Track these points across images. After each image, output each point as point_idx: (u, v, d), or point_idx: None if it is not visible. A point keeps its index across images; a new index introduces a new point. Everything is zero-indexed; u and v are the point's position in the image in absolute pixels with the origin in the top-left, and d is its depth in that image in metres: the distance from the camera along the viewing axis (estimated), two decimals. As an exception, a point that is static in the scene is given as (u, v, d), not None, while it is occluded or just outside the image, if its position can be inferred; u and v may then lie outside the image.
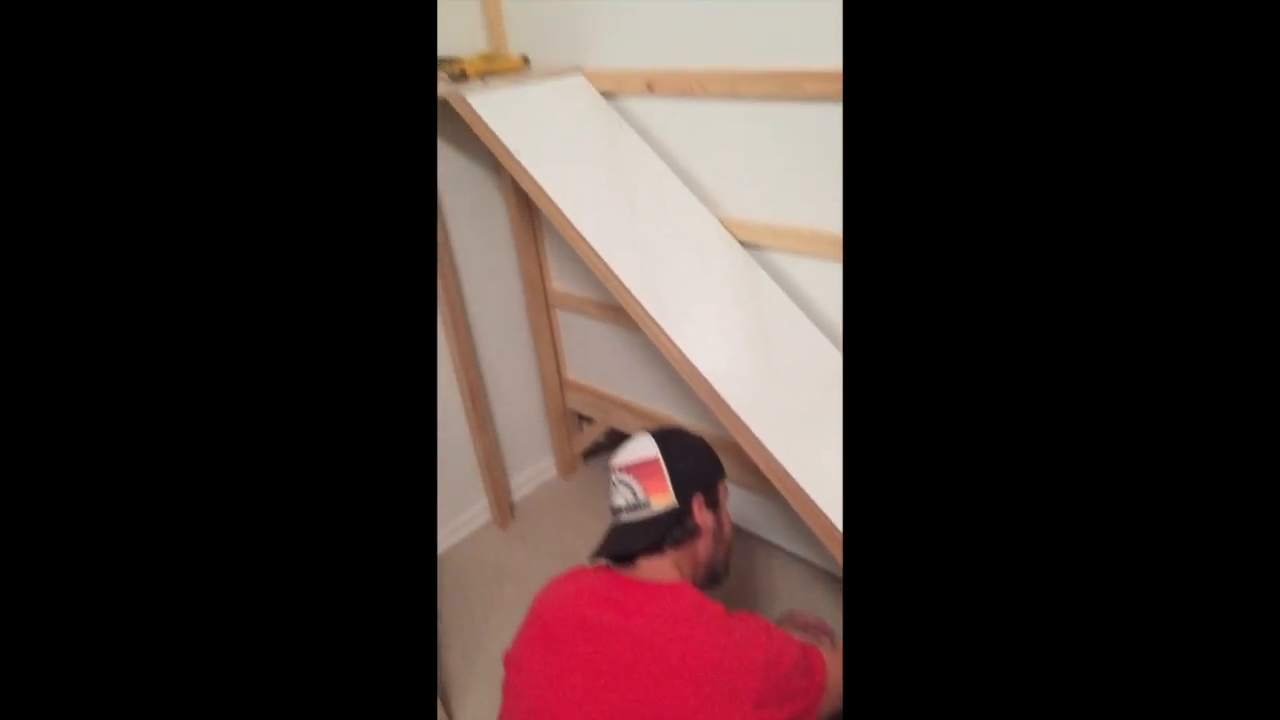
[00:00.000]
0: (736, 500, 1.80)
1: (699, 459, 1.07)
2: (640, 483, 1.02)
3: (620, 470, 1.04)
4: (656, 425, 1.63)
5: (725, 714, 0.81)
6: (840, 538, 1.11)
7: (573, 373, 1.97)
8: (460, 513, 1.94)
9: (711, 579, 1.07)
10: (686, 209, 1.42)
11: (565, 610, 0.93)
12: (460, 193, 1.66)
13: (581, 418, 2.09)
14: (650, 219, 1.37)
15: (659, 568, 0.97)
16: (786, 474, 1.15)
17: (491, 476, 1.90)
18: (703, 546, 1.03)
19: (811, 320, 1.37)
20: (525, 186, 1.31)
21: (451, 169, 1.63)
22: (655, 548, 0.98)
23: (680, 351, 1.22)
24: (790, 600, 1.65)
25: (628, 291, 1.25)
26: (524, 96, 1.37)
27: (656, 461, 1.01)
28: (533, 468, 2.10)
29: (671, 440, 1.06)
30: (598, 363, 1.86)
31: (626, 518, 1.02)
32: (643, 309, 1.24)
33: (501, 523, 1.97)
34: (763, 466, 1.18)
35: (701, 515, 1.02)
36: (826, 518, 1.11)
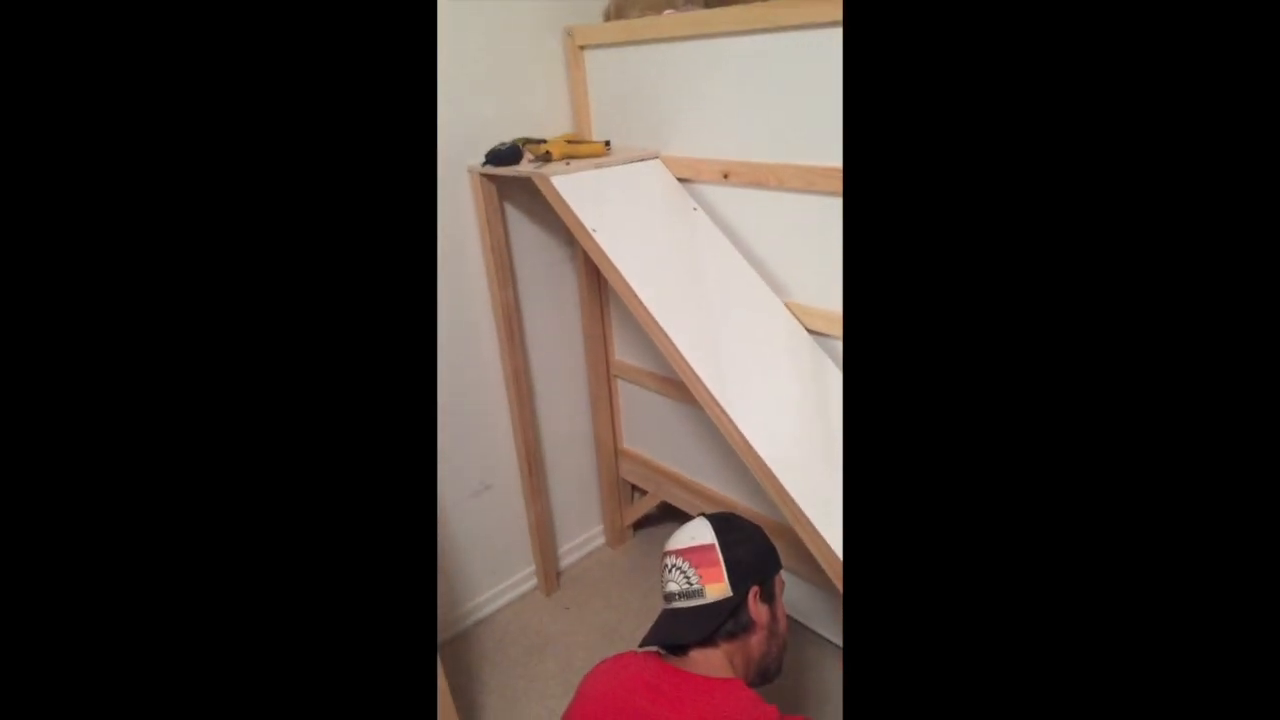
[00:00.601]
0: (792, 590, 1.77)
1: (756, 549, 1.03)
2: (696, 569, 0.99)
3: (675, 555, 1.02)
4: (712, 507, 1.62)
5: None
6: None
7: (628, 443, 1.98)
8: (507, 578, 1.94)
9: (763, 676, 1.03)
10: (754, 291, 1.44)
11: (615, 696, 0.91)
12: (534, 264, 1.73)
13: (635, 489, 2.10)
14: (716, 297, 1.40)
15: (712, 661, 0.95)
16: (841, 564, 1.13)
17: (541, 543, 1.90)
18: (756, 641, 0.99)
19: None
20: (595, 258, 1.36)
21: (529, 241, 1.70)
22: (708, 639, 0.95)
23: (739, 431, 1.22)
24: (815, 675, 1.59)
25: (687, 364, 1.27)
26: (603, 177, 1.43)
27: (713, 548, 0.99)
28: (582, 535, 2.10)
29: (728, 527, 1.03)
30: (654, 435, 1.88)
31: (679, 604, 0.99)
32: (702, 384, 1.25)
33: (547, 589, 1.96)
34: (818, 555, 1.16)
35: (756, 609, 0.99)
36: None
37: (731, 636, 0.96)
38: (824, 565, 1.16)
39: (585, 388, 1.95)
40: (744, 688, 0.91)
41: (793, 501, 1.19)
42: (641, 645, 1.00)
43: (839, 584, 1.15)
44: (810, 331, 1.42)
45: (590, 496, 2.08)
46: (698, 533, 1.02)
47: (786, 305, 1.44)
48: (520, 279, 1.69)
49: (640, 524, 2.18)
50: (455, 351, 1.62)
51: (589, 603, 1.93)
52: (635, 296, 1.31)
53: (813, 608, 1.71)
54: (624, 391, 1.92)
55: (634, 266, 1.34)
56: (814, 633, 1.74)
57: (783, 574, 1.08)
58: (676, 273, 1.40)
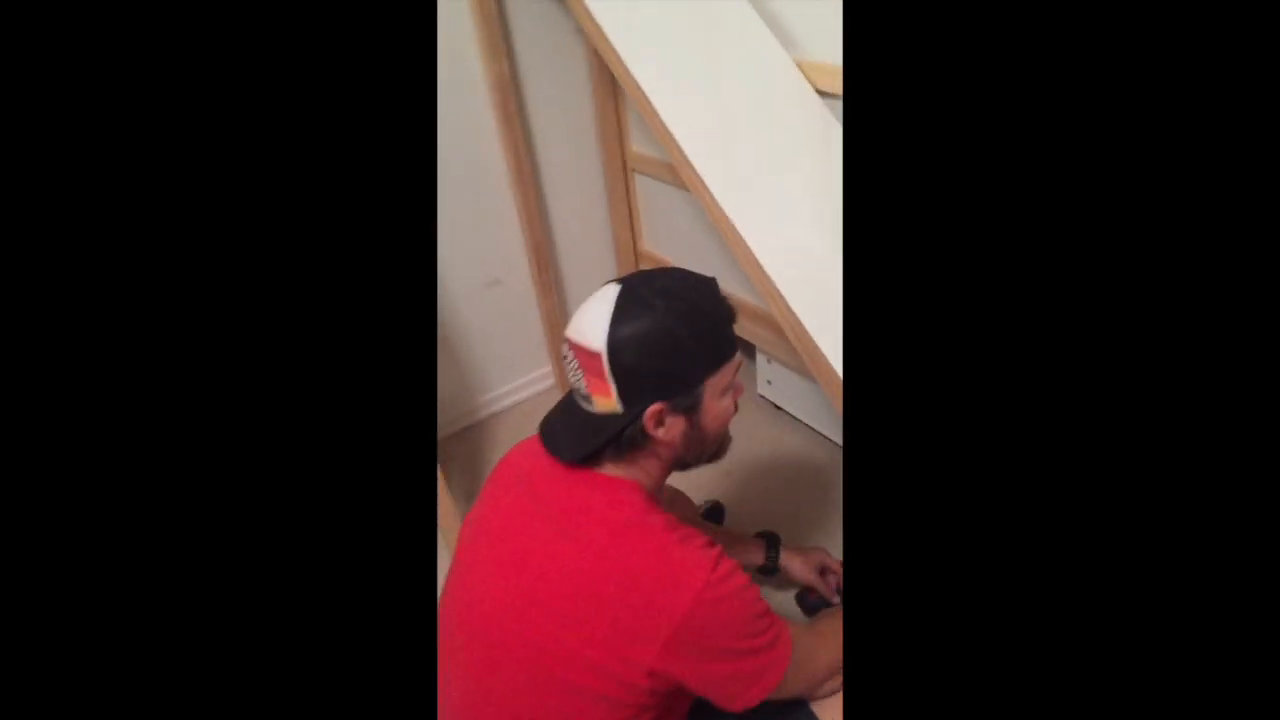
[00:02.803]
0: (787, 386, 1.71)
1: (672, 351, 0.76)
2: (582, 374, 0.78)
3: (567, 345, 0.80)
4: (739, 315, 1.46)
5: (613, 645, 0.71)
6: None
7: (649, 244, 1.89)
8: (525, 374, 1.96)
9: (685, 467, 0.89)
10: (764, 52, 1.27)
11: (513, 475, 0.87)
12: (537, 47, 1.58)
13: (656, 293, 2.03)
14: (727, 73, 1.24)
15: (602, 466, 0.82)
16: (823, 358, 1.05)
17: (555, 341, 1.89)
18: (663, 452, 0.83)
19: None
20: (583, 25, 1.20)
21: (531, 23, 1.54)
22: (591, 457, 0.80)
23: (744, 242, 1.11)
24: (810, 482, 1.58)
25: (688, 161, 1.14)
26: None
27: (599, 359, 0.75)
28: (602, 338, 2.08)
29: (634, 318, 0.75)
30: (676, 235, 1.77)
31: (578, 402, 0.82)
32: (704, 186, 1.13)
33: (562, 387, 1.99)
34: (798, 346, 1.08)
35: (658, 429, 0.79)
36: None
37: (619, 457, 0.81)
38: (801, 352, 1.08)
39: (600, 182, 1.83)
40: (637, 495, 0.79)
41: (776, 290, 1.10)
42: (541, 429, 0.88)
43: (819, 378, 1.08)
44: (821, 93, 1.25)
45: (611, 299, 2.04)
46: (592, 323, 0.76)
47: (797, 64, 1.26)
48: (518, 52, 1.54)
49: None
50: (446, 133, 1.53)
51: (603, 401, 1.94)
52: (629, 75, 1.16)
53: (810, 407, 1.66)
54: (642, 187, 1.80)
55: (628, 37, 1.18)
56: (809, 427, 1.71)
57: (733, 363, 0.83)
58: (678, 43, 1.23)
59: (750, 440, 1.76)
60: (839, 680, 0.89)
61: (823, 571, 1.22)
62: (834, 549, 1.30)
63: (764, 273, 1.10)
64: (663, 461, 0.84)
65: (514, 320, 1.85)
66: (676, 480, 1.03)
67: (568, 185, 1.78)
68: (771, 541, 1.23)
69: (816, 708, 0.89)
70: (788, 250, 1.12)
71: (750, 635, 0.76)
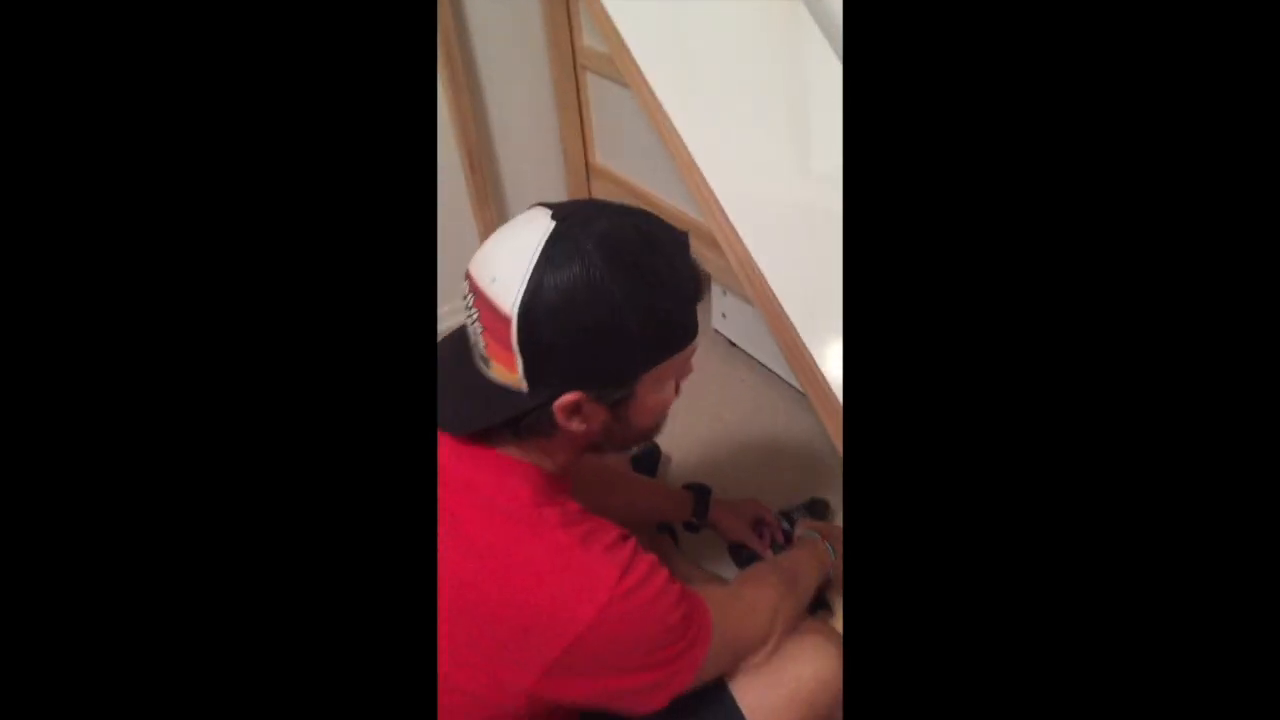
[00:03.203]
0: (749, 327, 1.56)
1: (608, 337, 0.57)
2: (483, 330, 0.60)
3: (469, 286, 0.61)
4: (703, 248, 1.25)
5: (490, 669, 0.59)
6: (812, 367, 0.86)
7: (602, 158, 1.69)
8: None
9: (602, 452, 0.73)
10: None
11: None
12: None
13: (610, 214, 1.84)
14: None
15: (495, 442, 0.65)
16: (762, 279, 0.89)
17: (494, 260, 1.71)
18: (575, 440, 0.65)
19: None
20: None
21: None
22: (484, 434, 0.63)
23: (714, 196, 0.93)
24: (762, 430, 1.44)
25: (650, 90, 0.95)
26: None
27: (508, 325, 0.56)
28: (550, 261, 1.90)
29: (566, 276, 0.55)
30: (634, 149, 1.56)
31: (473, 356, 0.63)
32: (668, 119, 0.94)
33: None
34: (732, 261, 0.92)
35: (570, 420, 0.61)
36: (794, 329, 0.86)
37: (516, 439, 0.64)
38: (735, 268, 0.92)
39: (548, 82, 1.62)
40: (530, 481, 0.63)
41: (719, 205, 0.93)
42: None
43: (756, 300, 0.92)
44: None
45: (560, 218, 1.85)
46: (505, 268, 0.57)
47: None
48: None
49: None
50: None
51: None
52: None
53: (770, 347, 1.50)
54: (597, 91, 1.59)
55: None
56: (766, 368, 1.57)
57: (687, 351, 0.64)
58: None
59: (700, 378, 1.61)
60: (766, 650, 0.76)
61: (757, 525, 1.09)
62: (774, 502, 1.17)
63: (711, 193, 0.93)
64: (574, 447, 0.68)
65: (446, 234, 1.66)
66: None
67: (509, 83, 1.57)
68: (701, 495, 1.09)
69: (733, 685, 0.76)
70: (749, 184, 0.95)
71: (657, 648, 0.62)
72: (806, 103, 1.04)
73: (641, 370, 0.61)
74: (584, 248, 0.56)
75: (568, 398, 0.59)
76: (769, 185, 0.98)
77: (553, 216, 0.58)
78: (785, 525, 1.12)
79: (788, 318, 0.87)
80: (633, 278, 0.56)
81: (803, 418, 1.48)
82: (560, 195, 1.79)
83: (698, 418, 1.51)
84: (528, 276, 0.55)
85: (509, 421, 0.61)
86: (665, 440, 1.42)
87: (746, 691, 0.75)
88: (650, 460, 1.35)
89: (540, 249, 0.56)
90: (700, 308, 0.63)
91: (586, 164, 1.72)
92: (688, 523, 1.08)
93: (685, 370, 0.67)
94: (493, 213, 1.66)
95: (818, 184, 0.99)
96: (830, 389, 0.84)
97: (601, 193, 1.72)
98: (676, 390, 0.68)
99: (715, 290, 1.59)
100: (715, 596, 0.72)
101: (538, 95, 1.63)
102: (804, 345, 0.86)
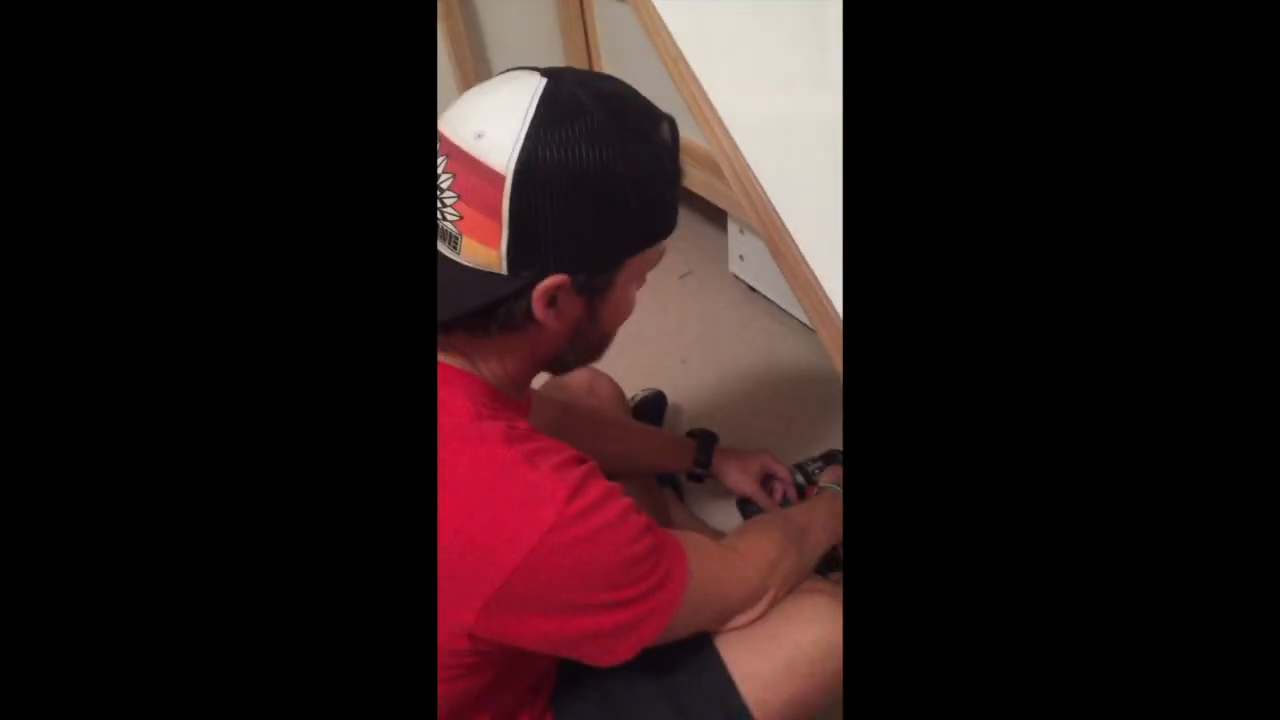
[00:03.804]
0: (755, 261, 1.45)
1: (611, 200, 0.51)
2: (458, 199, 0.51)
3: (443, 147, 0.52)
4: (714, 192, 1.05)
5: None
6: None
7: (611, 86, 1.58)
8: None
9: (554, 370, 0.66)
10: None
11: None
12: None
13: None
14: None
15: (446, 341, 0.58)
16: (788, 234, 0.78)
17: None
18: (537, 345, 0.59)
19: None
20: None
21: None
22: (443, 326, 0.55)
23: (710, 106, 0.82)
24: (780, 378, 1.35)
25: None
26: None
27: (499, 183, 0.49)
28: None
29: (569, 134, 0.49)
30: (642, 72, 1.44)
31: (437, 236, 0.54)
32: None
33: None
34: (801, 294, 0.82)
35: (547, 311, 0.54)
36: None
37: (473, 335, 0.56)
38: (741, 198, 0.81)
39: (553, 10, 1.50)
40: (471, 393, 0.56)
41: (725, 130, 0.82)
42: None
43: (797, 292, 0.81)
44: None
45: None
46: (493, 121, 0.50)
47: None
48: None
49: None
50: None
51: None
52: None
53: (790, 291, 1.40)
54: (603, 13, 1.47)
55: None
56: (786, 313, 1.47)
57: (662, 244, 0.59)
58: None
59: (715, 324, 1.52)
60: (759, 609, 0.68)
61: (766, 480, 1.00)
62: (791, 455, 1.08)
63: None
64: (533, 358, 0.61)
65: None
66: (607, 365, 0.78)
67: (507, 5, 1.46)
68: (705, 442, 1.00)
69: (722, 646, 0.68)
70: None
71: (616, 586, 0.54)
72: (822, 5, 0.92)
73: (628, 253, 0.56)
74: (585, 106, 0.50)
75: (552, 280, 0.52)
76: (773, 95, 0.87)
77: (543, 75, 0.52)
78: (799, 479, 1.03)
79: (790, 237, 0.77)
80: (636, 143, 0.52)
81: (825, 366, 1.37)
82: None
83: (711, 365, 1.42)
84: (523, 132, 0.49)
85: (478, 313, 0.54)
86: (676, 388, 1.33)
87: (737, 655, 0.67)
88: (655, 409, 1.26)
89: (536, 103, 0.50)
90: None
91: (595, 94, 1.61)
92: (691, 472, 1.00)
93: (646, 269, 0.61)
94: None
95: (830, 93, 0.87)
96: (837, 318, 0.74)
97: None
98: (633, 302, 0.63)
99: (732, 228, 1.48)
100: (698, 541, 0.63)
101: (540, 19, 1.51)
102: (809, 269, 0.75)
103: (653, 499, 1.02)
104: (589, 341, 0.62)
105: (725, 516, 1.12)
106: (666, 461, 1.01)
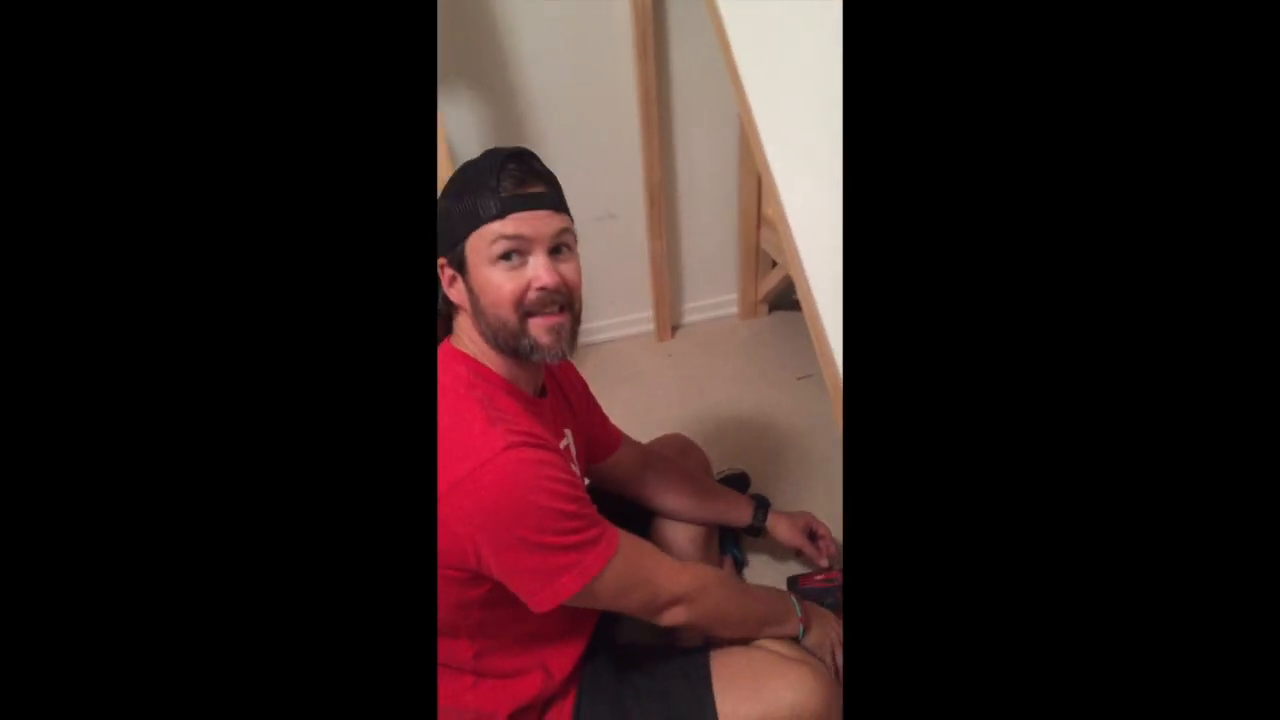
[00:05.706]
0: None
1: (458, 187, 0.75)
2: None
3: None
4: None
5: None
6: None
7: (772, 208, 1.82)
8: (627, 314, 1.99)
9: (505, 351, 0.77)
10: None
11: None
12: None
13: (775, 264, 1.96)
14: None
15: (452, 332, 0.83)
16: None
17: (659, 285, 1.90)
18: (475, 322, 0.77)
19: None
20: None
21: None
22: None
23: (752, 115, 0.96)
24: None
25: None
26: None
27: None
28: (713, 298, 2.05)
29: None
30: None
31: None
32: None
33: (660, 336, 1.99)
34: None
35: (451, 288, 0.78)
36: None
37: (448, 321, 0.82)
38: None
39: (734, 134, 1.79)
40: (449, 364, 0.76)
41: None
42: None
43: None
44: None
45: (728, 261, 1.99)
46: None
47: None
48: (664, -12, 1.55)
49: (777, 305, 2.06)
50: (582, 53, 1.57)
51: (691, 357, 1.92)
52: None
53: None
54: (776, 148, 1.73)
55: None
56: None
57: (490, 229, 0.72)
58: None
59: (790, 416, 1.68)
60: (678, 612, 0.79)
61: (811, 535, 1.17)
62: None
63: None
64: (483, 339, 0.77)
65: (620, 258, 1.88)
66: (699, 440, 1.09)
67: (698, 133, 1.77)
68: (760, 504, 1.17)
69: (718, 691, 0.82)
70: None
71: (543, 530, 0.68)
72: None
73: (464, 230, 0.73)
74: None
75: (439, 260, 0.76)
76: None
77: None
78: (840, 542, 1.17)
79: (806, 278, 0.77)
80: (460, 171, 0.77)
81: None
82: (734, 240, 1.94)
83: (782, 446, 1.57)
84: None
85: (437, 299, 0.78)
86: (751, 464, 1.49)
87: (725, 696, 0.81)
88: (740, 484, 1.43)
89: None
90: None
91: (758, 214, 1.86)
92: (749, 527, 1.16)
93: (531, 276, 0.73)
94: (661, 245, 1.85)
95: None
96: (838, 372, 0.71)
97: (767, 243, 1.85)
98: (517, 293, 0.73)
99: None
100: (640, 540, 0.78)
101: (721, 143, 1.80)
102: (819, 315, 0.73)
103: (710, 543, 1.18)
104: (489, 322, 0.74)
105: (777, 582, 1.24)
106: (728, 514, 1.17)
